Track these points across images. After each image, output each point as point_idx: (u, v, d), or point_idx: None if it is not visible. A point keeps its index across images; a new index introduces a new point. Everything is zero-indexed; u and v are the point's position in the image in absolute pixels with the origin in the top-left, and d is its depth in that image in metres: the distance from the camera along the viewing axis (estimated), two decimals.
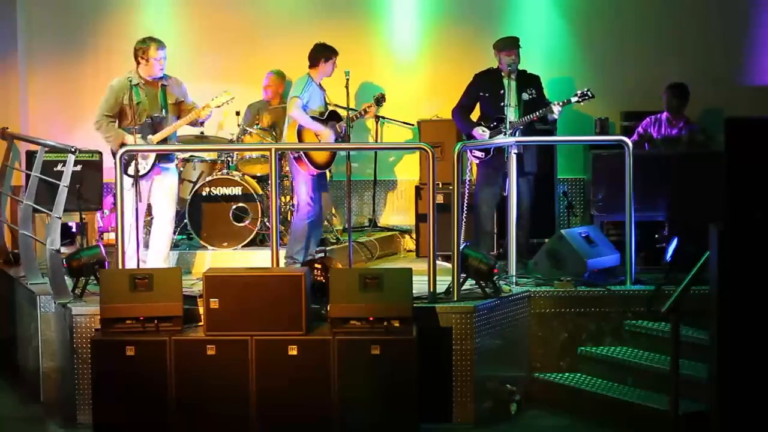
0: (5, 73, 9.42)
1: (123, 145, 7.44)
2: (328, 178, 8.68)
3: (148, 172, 7.53)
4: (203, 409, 6.40)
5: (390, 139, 9.68)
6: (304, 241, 8.17)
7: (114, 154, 7.49)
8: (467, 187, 8.16)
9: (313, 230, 8.23)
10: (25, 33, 9.58)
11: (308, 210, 8.13)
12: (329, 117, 8.15)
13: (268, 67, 9.32)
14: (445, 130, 9.13)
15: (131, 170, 7.37)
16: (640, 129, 8.69)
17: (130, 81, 7.56)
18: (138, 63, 7.64)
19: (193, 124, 7.85)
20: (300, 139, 8.10)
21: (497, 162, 8.08)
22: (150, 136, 7.55)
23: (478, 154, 8.15)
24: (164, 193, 7.72)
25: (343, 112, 8.31)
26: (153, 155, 7.56)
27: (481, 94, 8.28)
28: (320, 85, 8.23)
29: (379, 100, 8.46)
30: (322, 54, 8.16)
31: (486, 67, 8.42)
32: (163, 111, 7.62)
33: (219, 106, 7.72)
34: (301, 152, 7.96)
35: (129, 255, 7.24)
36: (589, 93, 8.10)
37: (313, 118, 8.09)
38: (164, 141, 7.65)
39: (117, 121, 7.66)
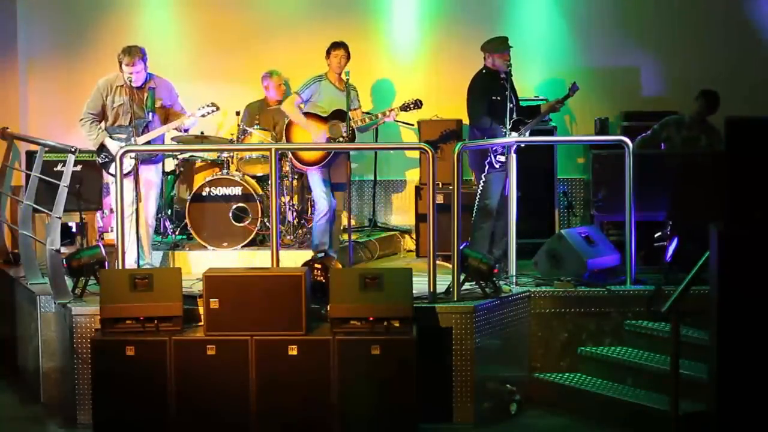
0: (5, 73, 9.42)
1: (102, 146, 7.65)
2: (346, 177, 8.27)
3: (130, 171, 7.50)
4: (203, 409, 6.40)
5: (390, 139, 9.69)
6: (322, 236, 8.16)
7: (98, 151, 7.70)
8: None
9: (332, 228, 8.25)
10: (25, 33, 9.57)
11: (321, 206, 8.16)
12: (332, 116, 8.13)
13: (267, 67, 9.31)
14: (445, 131, 9.14)
15: (112, 169, 7.39)
16: (656, 127, 8.58)
17: (117, 82, 7.64)
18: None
19: (177, 129, 7.90)
20: (286, 135, 8.21)
21: (506, 164, 7.99)
22: (134, 138, 7.56)
23: (503, 159, 7.90)
24: (147, 188, 7.72)
25: (355, 114, 8.24)
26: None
27: (493, 98, 8.09)
28: (341, 82, 8.14)
29: (409, 106, 8.23)
30: (327, 52, 8.20)
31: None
32: (150, 114, 7.63)
33: (204, 116, 7.81)
34: (288, 151, 8.03)
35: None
36: (574, 85, 8.13)
37: (308, 114, 8.11)
38: (148, 143, 7.67)
39: (102, 120, 7.74)
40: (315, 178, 8.18)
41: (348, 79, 8.04)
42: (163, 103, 7.74)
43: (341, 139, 8.05)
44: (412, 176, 9.70)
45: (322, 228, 8.19)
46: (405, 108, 8.24)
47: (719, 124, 8.53)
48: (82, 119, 7.75)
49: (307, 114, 8.18)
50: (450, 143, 8.90)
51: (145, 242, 7.76)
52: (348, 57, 8.22)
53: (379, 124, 8.37)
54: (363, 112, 8.37)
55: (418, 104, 8.24)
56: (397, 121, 9.45)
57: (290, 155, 8.31)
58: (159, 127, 7.72)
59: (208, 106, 7.79)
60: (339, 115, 8.09)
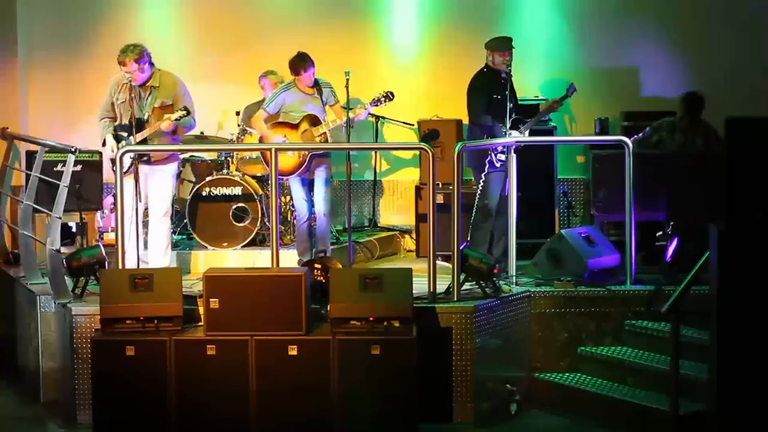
0: (5, 73, 9.42)
1: (104, 144, 7.65)
2: (323, 177, 8.22)
3: (127, 170, 7.46)
4: (203, 409, 6.39)
5: (390, 139, 9.69)
6: (305, 243, 8.18)
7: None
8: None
9: (317, 231, 8.23)
10: (25, 33, 9.58)
11: (300, 212, 8.17)
12: (303, 121, 8.10)
13: (267, 67, 9.31)
14: (445, 130, 9.14)
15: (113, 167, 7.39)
16: (649, 130, 8.55)
17: (124, 80, 7.57)
18: None
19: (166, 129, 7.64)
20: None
21: (506, 163, 7.98)
22: (130, 137, 7.50)
23: (503, 158, 7.89)
24: (152, 192, 7.71)
25: (334, 111, 8.23)
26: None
27: (494, 96, 8.09)
28: (310, 87, 8.13)
29: (380, 100, 8.23)
30: (292, 67, 8.11)
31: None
32: (145, 114, 7.54)
33: (177, 120, 7.49)
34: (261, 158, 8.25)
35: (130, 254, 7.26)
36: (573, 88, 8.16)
37: (279, 123, 8.13)
38: (144, 142, 7.57)
39: (114, 118, 7.70)
40: (294, 185, 8.20)
41: (348, 79, 8.00)
42: (163, 103, 7.63)
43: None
44: (412, 176, 9.71)
45: (303, 233, 8.22)
46: (376, 102, 8.16)
47: (718, 123, 8.55)
48: (98, 115, 7.76)
49: (279, 123, 8.17)
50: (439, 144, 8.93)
51: (150, 243, 7.72)
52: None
53: (353, 122, 8.18)
54: (342, 107, 8.26)
55: (389, 96, 8.14)
56: (395, 120, 9.47)
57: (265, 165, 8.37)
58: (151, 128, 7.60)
59: (181, 109, 7.52)
60: (312, 120, 8.08)
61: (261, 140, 8.25)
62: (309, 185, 8.26)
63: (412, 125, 9.56)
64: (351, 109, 8.15)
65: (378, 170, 9.71)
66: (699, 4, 9.59)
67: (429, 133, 8.85)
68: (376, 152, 9.73)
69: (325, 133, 8.04)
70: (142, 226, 7.74)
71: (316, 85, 8.16)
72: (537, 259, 7.82)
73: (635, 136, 8.48)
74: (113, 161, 7.55)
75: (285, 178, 8.13)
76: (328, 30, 9.59)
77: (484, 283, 7.02)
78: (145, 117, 7.56)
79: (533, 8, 9.71)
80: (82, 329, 6.77)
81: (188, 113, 7.55)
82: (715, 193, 4.83)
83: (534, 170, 8.61)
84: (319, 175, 8.16)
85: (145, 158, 7.61)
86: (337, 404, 6.35)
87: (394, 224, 9.73)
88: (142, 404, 6.40)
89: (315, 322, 6.60)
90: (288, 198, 8.87)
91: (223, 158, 8.85)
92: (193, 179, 9.15)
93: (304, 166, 8.02)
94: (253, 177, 8.78)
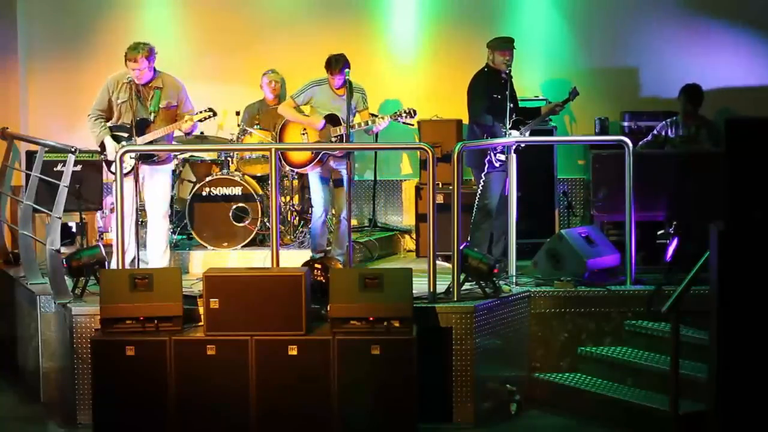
0: (5, 73, 9.42)
1: (102, 145, 7.61)
2: (344, 177, 8.04)
3: (130, 171, 7.47)
4: (203, 409, 6.40)
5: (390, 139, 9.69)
6: (320, 238, 8.16)
7: (101, 148, 7.65)
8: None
9: (337, 231, 8.19)
10: (25, 33, 9.58)
11: (316, 209, 8.15)
12: (326, 120, 8.10)
13: (267, 67, 9.32)
14: (445, 130, 9.13)
15: (113, 168, 7.37)
16: (655, 131, 8.68)
17: (124, 79, 7.56)
18: None
19: (180, 130, 7.71)
20: (279, 138, 8.19)
21: (506, 163, 7.98)
22: (135, 138, 7.49)
23: (502, 158, 7.88)
24: (152, 192, 7.72)
25: (362, 116, 8.16)
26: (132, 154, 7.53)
27: (494, 96, 8.08)
28: (345, 89, 7.97)
29: (401, 115, 8.11)
30: (326, 66, 8.03)
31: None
32: (152, 115, 7.54)
33: (201, 120, 7.56)
34: (279, 152, 8.03)
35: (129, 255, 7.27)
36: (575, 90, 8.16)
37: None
38: (150, 143, 7.57)
39: (110, 118, 7.67)
40: (312, 180, 8.17)
41: (351, 82, 7.93)
42: (169, 104, 7.63)
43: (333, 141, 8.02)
44: (413, 176, 9.70)
45: (317, 230, 8.19)
46: (396, 117, 8.11)
47: (717, 124, 8.59)
48: (89, 115, 7.67)
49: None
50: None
51: (149, 243, 7.72)
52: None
53: (371, 131, 8.14)
54: (371, 114, 8.23)
55: (411, 113, 8.00)
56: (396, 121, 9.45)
57: (281, 157, 8.26)
58: (159, 128, 7.58)
59: (205, 110, 7.56)
60: (331, 120, 8.06)
61: (284, 128, 8.18)
62: (329, 184, 8.23)
63: (413, 125, 9.55)
64: (375, 117, 8.12)
65: (378, 170, 9.69)
66: (700, 3, 9.59)
67: (443, 158, 8.78)
68: (375, 152, 9.72)
69: (341, 135, 7.97)
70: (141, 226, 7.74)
71: (348, 85, 8.06)
72: (537, 259, 7.82)
73: (645, 140, 8.56)
74: (108, 163, 7.56)
75: (298, 170, 8.12)
76: (327, 30, 9.58)
77: (484, 283, 7.02)
78: (151, 118, 7.56)
79: (533, 8, 9.71)
80: (82, 329, 6.77)
81: (214, 114, 7.60)
82: (715, 193, 4.84)
83: (534, 170, 8.61)
84: (341, 176, 8.10)
85: (154, 158, 7.60)
86: (337, 404, 6.35)
87: (394, 224, 9.73)
88: (142, 404, 6.40)
89: (315, 322, 6.60)
90: (288, 198, 8.88)
91: (223, 158, 8.85)
92: (193, 179, 9.15)
93: (316, 161, 8.00)
94: (253, 177, 8.78)
